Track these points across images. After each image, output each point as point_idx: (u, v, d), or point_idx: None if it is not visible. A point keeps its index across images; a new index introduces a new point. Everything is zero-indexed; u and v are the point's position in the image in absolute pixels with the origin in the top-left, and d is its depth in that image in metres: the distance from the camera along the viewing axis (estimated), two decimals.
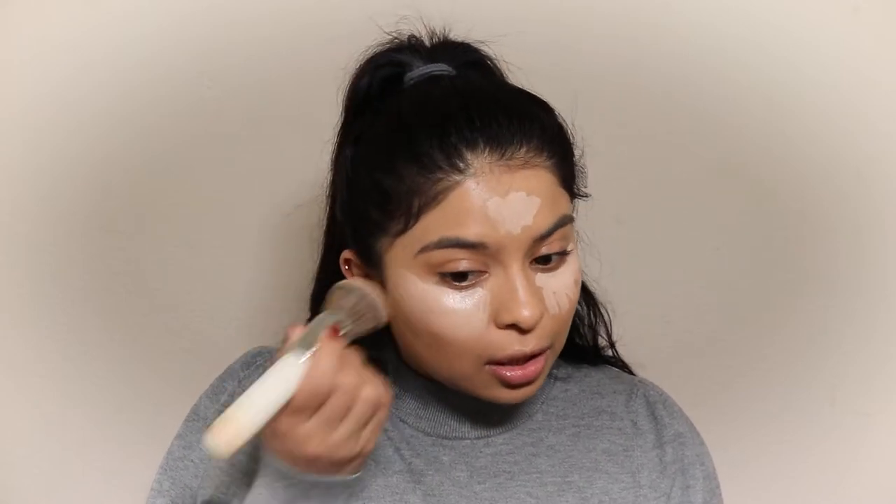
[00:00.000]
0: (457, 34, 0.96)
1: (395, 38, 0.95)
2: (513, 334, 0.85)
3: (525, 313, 0.83)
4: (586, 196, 0.95)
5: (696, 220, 1.24)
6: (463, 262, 0.83)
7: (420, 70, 0.92)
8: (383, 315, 0.84)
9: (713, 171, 1.23)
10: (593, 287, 1.05)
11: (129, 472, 1.23)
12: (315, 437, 0.78)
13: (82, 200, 1.20)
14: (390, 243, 0.86)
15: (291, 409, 0.77)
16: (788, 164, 1.21)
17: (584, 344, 1.04)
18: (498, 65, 0.97)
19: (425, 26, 0.96)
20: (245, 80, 1.19)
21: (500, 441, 0.95)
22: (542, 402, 0.98)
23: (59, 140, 1.19)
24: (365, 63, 0.95)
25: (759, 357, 1.25)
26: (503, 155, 0.84)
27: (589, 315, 1.04)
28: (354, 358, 0.80)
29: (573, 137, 0.93)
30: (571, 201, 0.91)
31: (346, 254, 0.92)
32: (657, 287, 1.25)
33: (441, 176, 0.83)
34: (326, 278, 0.99)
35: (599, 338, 1.05)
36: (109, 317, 1.22)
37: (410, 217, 0.84)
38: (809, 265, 1.23)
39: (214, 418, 0.92)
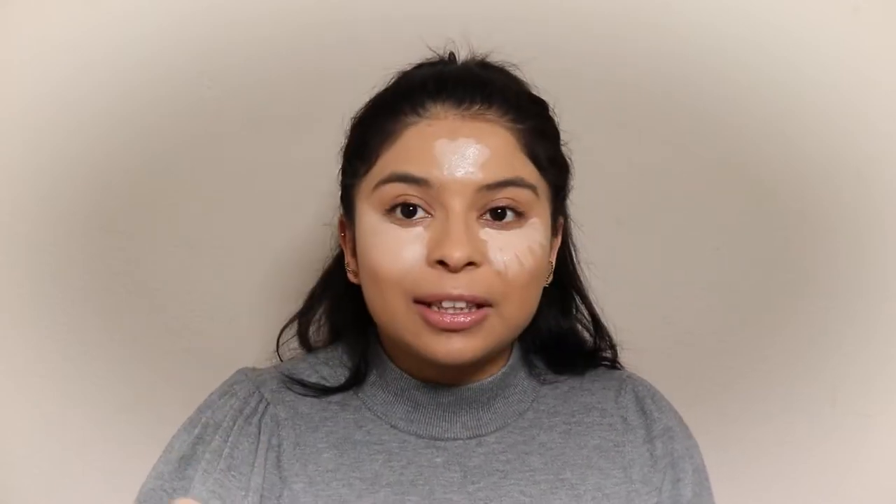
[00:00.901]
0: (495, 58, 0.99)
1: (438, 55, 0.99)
2: (443, 274, 0.86)
3: (451, 250, 0.85)
4: (567, 187, 0.98)
5: (696, 220, 1.24)
6: (409, 199, 0.87)
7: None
8: None
9: (713, 171, 1.22)
10: (603, 318, 1.06)
11: (129, 472, 1.22)
12: None
13: (82, 200, 1.20)
14: (359, 185, 0.91)
15: None
16: (788, 164, 1.21)
17: (578, 355, 1.04)
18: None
19: (469, 47, 0.99)
20: (245, 80, 1.19)
21: (493, 440, 0.95)
22: (533, 401, 0.98)
23: (59, 140, 1.19)
24: (400, 74, 0.98)
25: (760, 358, 1.25)
26: (461, 105, 0.89)
27: (595, 340, 1.05)
28: None
29: (560, 131, 0.97)
30: (549, 186, 0.93)
31: (339, 216, 0.97)
32: (657, 287, 1.25)
33: (402, 117, 0.89)
34: (333, 277, 1.03)
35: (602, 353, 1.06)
36: (109, 317, 1.22)
37: (373, 155, 0.89)
38: (809, 265, 1.23)
39: (187, 450, 0.93)
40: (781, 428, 1.25)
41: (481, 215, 0.88)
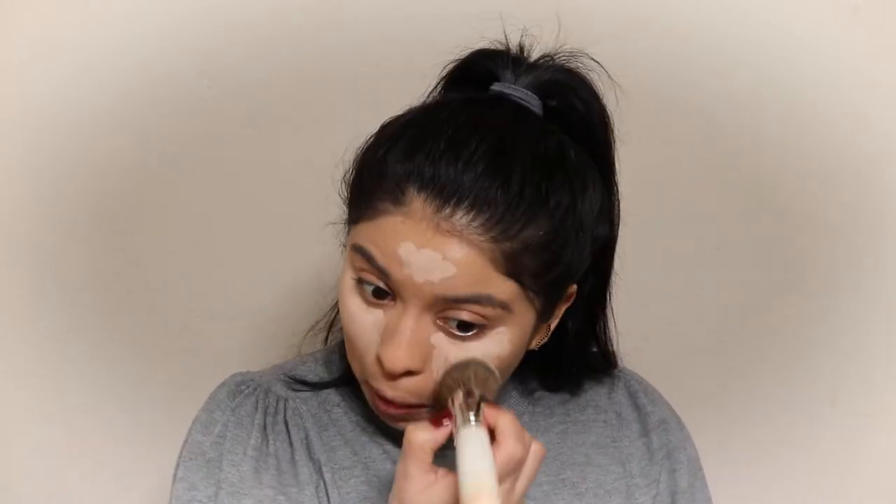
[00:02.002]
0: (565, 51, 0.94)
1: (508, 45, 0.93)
2: (383, 371, 0.83)
3: (390, 358, 0.81)
4: (569, 282, 0.89)
5: (696, 220, 1.24)
6: (375, 280, 0.82)
7: (502, 87, 0.89)
8: (497, 373, 0.83)
9: (713, 171, 1.22)
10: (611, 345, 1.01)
11: (129, 471, 1.23)
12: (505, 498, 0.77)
13: (82, 200, 1.20)
14: (349, 226, 0.87)
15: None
16: (788, 164, 1.21)
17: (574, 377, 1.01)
18: (593, 105, 0.93)
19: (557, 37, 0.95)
20: (245, 80, 1.19)
21: None
22: (528, 404, 0.98)
23: (59, 140, 1.19)
24: (465, 57, 0.92)
25: (760, 358, 1.25)
26: (442, 209, 0.79)
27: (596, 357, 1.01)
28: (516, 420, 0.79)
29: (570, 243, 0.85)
30: (536, 295, 0.83)
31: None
32: (658, 288, 1.25)
33: (384, 197, 0.81)
34: None
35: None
36: (109, 317, 1.22)
37: (356, 211, 0.85)
38: (809, 265, 1.23)
39: (212, 452, 0.89)
40: (781, 428, 1.25)
41: (439, 318, 0.82)
